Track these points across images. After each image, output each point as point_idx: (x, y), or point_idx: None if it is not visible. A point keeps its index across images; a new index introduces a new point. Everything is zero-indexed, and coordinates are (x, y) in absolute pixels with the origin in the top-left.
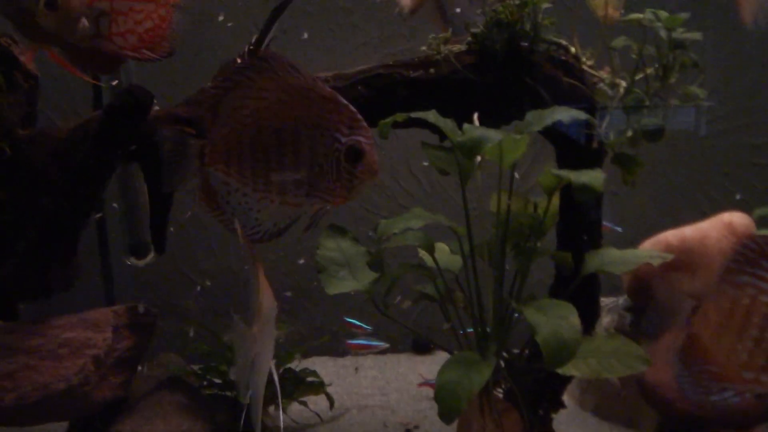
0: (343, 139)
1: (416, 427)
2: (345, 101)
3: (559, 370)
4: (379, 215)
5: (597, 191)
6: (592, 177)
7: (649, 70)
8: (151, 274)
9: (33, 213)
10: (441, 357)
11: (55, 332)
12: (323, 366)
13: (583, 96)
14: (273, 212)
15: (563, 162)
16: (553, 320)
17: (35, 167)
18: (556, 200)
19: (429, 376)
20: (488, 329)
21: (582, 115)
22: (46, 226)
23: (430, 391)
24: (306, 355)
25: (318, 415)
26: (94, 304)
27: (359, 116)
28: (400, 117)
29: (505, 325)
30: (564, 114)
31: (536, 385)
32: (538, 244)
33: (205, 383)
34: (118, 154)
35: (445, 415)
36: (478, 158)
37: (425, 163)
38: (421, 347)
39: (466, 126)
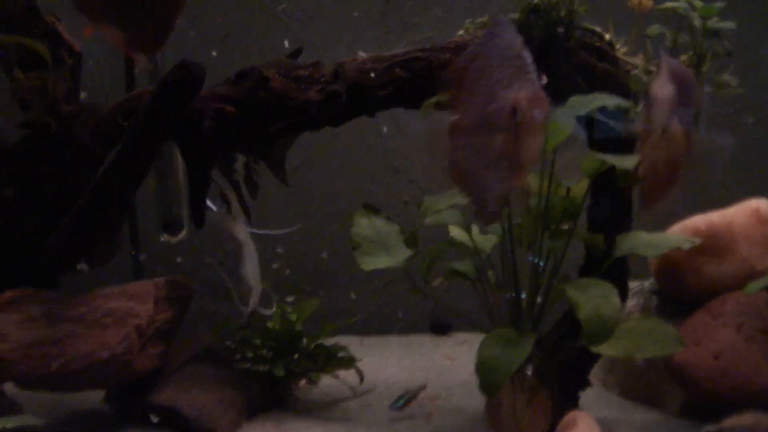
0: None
1: (437, 397)
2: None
3: (594, 350)
4: (401, 199)
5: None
6: (635, 163)
7: (683, 58)
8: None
9: (77, 187)
10: (460, 338)
11: (99, 302)
12: (348, 344)
13: (617, 82)
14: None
15: (595, 147)
16: (594, 299)
17: (79, 143)
18: (584, 183)
19: (453, 356)
20: (523, 308)
21: (624, 103)
22: (91, 201)
23: (457, 369)
24: (333, 333)
25: (351, 388)
26: (120, 280)
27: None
28: (443, 97)
29: (540, 304)
30: (607, 100)
31: (565, 363)
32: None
33: (238, 357)
34: (169, 129)
35: (486, 389)
36: None
37: None
38: (439, 329)
39: None
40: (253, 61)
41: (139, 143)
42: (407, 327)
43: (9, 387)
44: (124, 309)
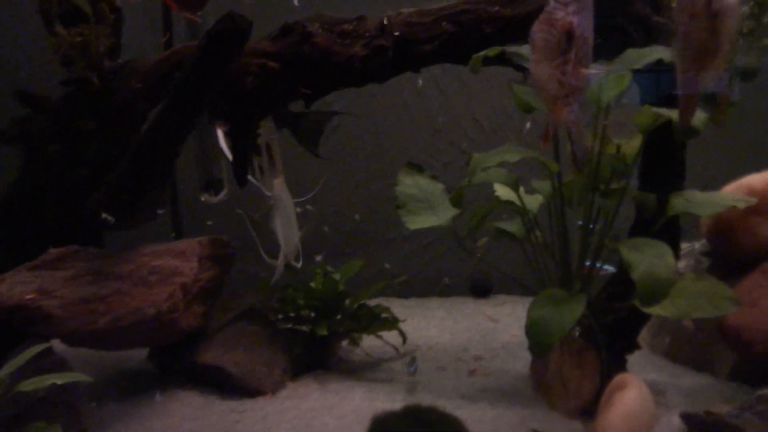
0: None
1: (481, 358)
2: None
3: (647, 310)
4: (441, 161)
5: (699, 132)
6: (696, 117)
7: (744, 9)
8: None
9: (121, 144)
10: (501, 300)
11: (145, 259)
12: (390, 306)
13: (672, 35)
14: None
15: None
16: (649, 258)
17: (122, 98)
18: (635, 141)
19: (496, 317)
20: (573, 268)
21: None
22: (136, 157)
23: (500, 331)
24: (374, 294)
25: (395, 348)
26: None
27: None
28: (492, 52)
29: (590, 264)
30: (665, 53)
31: (614, 325)
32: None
33: (280, 317)
34: (214, 83)
35: (536, 350)
36: None
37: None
38: (480, 291)
39: None
40: (296, 16)
41: (185, 98)
42: (448, 289)
43: (56, 344)
44: (169, 267)
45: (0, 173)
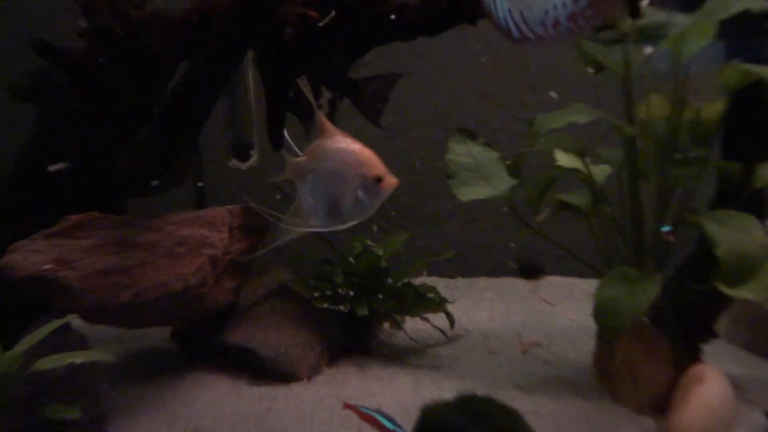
0: None
1: (538, 345)
2: None
3: (731, 292)
4: (491, 127)
5: None
6: None
7: None
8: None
9: (148, 101)
10: (553, 282)
11: (171, 228)
12: (435, 286)
13: None
14: None
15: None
16: (735, 233)
17: (149, 52)
18: (718, 104)
19: (550, 299)
20: (646, 245)
21: None
22: (165, 117)
23: (558, 315)
24: (418, 272)
25: (443, 332)
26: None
27: None
28: None
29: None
30: (752, 3)
31: (689, 309)
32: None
33: (316, 295)
34: (250, 36)
35: (606, 335)
36: (648, 50)
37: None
38: (530, 271)
39: (645, 8)
40: None
41: (218, 53)
42: (497, 268)
43: (74, 320)
44: (197, 237)
45: (12, 132)
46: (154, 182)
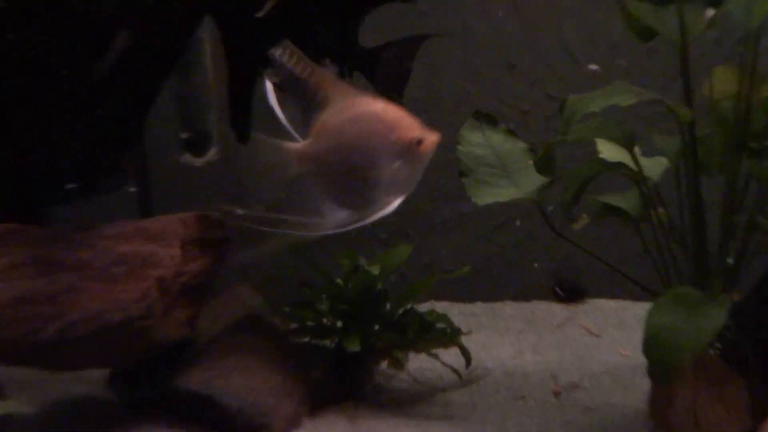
0: None
1: (577, 387)
2: None
3: None
4: (519, 108)
5: None
6: None
7: None
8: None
9: (77, 81)
10: (600, 306)
11: (108, 244)
12: (448, 312)
13: None
14: None
15: None
16: None
17: (78, 17)
18: None
19: (597, 330)
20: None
21: None
22: (98, 102)
23: (605, 349)
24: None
25: (456, 372)
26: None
27: None
28: None
29: (736, 253)
30: None
31: None
32: None
33: (294, 327)
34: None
35: (658, 373)
36: (710, 12)
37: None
38: (568, 293)
39: None
40: None
41: (166, 19)
42: (527, 289)
43: None
44: (141, 254)
45: None
46: (84, 185)
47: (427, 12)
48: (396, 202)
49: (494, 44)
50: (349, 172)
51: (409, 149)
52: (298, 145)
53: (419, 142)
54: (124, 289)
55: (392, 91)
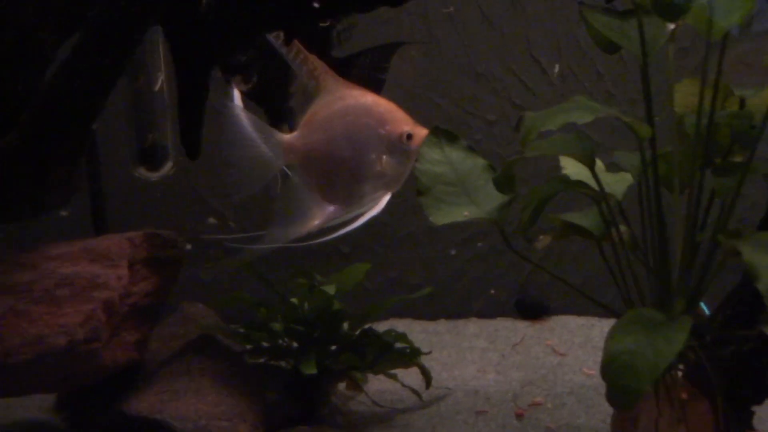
0: None
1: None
2: None
3: None
4: (484, 118)
5: None
6: None
7: None
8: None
9: (18, 94)
10: (565, 323)
11: (52, 265)
12: (406, 331)
13: None
14: None
15: None
16: None
17: (19, 25)
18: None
19: (562, 349)
20: (674, 279)
21: None
22: (40, 114)
23: (569, 368)
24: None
25: (416, 393)
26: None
27: None
28: None
29: (698, 272)
30: None
31: (735, 361)
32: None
33: (249, 348)
34: (154, 8)
35: (619, 399)
36: (671, 26)
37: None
38: (530, 310)
39: None
40: None
41: (111, 30)
42: (492, 306)
43: None
44: (86, 275)
45: None
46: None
47: (392, 20)
48: (384, 199)
49: (460, 53)
50: (337, 165)
51: (399, 143)
52: (287, 135)
53: (409, 136)
54: (69, 311)
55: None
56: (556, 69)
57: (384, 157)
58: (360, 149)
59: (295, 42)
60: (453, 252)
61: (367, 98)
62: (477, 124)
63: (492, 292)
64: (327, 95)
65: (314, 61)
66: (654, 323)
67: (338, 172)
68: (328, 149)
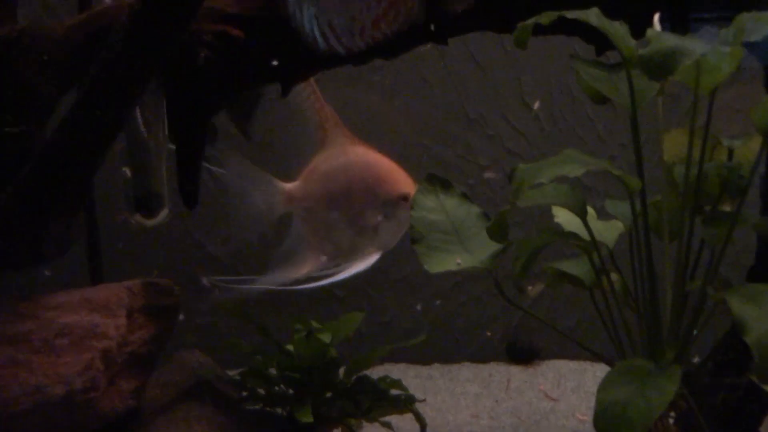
0: None
1: None
2: None
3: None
4: (477, 164)
5: None
6: None
7: None
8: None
9: (20, 146)
10: (557, 367)
11: (51, 315)
12: (400, 377)
13: None
14: None
15: None
16: None
17: (20, 80)
18: (754, 145)
19: (555, 394)
20: (664, 327)
21: None
22: (41, 167)
23: (562, 413)
24: (380, 361)
25: None
26: (69, 282)
27: None
28: (546, 18)
29: (688, 321)
30: None
31: (725, 408)
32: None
33: (245, 394)
34: (157, 62)
35: None
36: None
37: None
38: (522, 354)
39: (651, 33)
40: None
41: (113, 83)
42: (485, 351)
43: None
44: (85, 325)
45: None
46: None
47: (383, 66)
48: (374, 257)
49: (453, 98)
50: (334, 219)
51: (395, 205)
52: (288, 184)
53: (405, 198)
54: (67, 361)
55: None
56: (536, 105)
57: (379, 216)
58: (357, 207)
59: (314, 88)
60: (447, 295)
61: (369, 156)
62: (470, 169)
63: (488, 334)
64: (332, 148)
65: (327, 111)
66: (645, 373)
67: (334, 226)
68: (326, 203)
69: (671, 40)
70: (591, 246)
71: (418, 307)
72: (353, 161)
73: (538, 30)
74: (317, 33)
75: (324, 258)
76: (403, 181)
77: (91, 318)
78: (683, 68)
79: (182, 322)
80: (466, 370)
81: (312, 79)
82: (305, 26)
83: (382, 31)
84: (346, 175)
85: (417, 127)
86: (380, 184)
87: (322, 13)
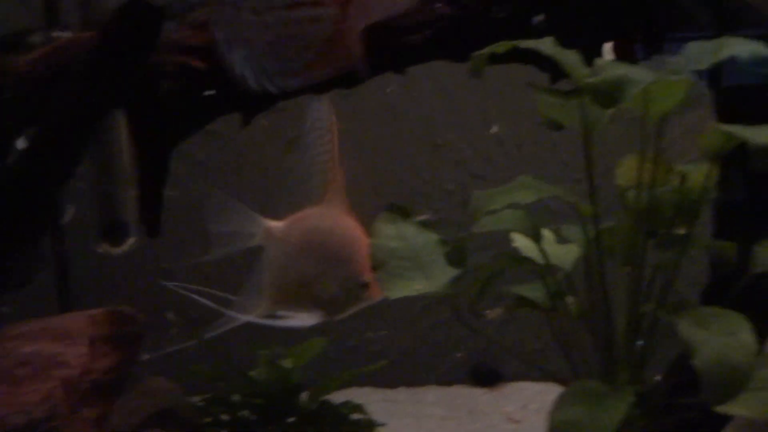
0: None
1: None
2: None
3: (719, 409)
4: (443, 189)
5: None
6: None
7: None
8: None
9: None
10: (521, 389)
11: (10, 345)
12: (366, 400)
13: (756, 19)
14: None
15: (726, 115)
16: (718, 337)
17: None
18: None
19: (518, 417)
20: (618, 350)
21: (765, 50)
22: (1, 201)
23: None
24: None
25: None
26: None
27: None
28: (501, 47)
29: (642, 343)
30: (742, 48)
31: (681, 428)
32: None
33: (209, 421)
34: (120, 94)
35: None
36: None
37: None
38: (484, 377)
39: (600, 62)
40: None
41: (74, 116)
42: (450, 373)
43: None
44: (46, 354)
45: None
46: None
47: (351, 94)
48: (314, 320)
49: (419, 124)
50: (298, 271)
51: (355, 288)
52: (270, 222)
53: (365, 286)
54: (27, 391)
55: None
56: (493, 129)
57: (337, 290)
58: (321, 274)
59: (334, 144)
60: (414, 319)
61: (354, 233)
62: (436, 194)
63: (458, 355)
64: (325, 209)
65: (337, 174)
66: (597, 394)
67: (296, 277)
68: (298, 253)
69: (620, 69)
70: (545, 269)
71: (385, 332)
72: (337, 230)
73: (494, 59)
74: (248, 74)
75: (265, 304)
76: (369, 270)
77: (52, 347)
78: (633, 96)
79: (147, 349)
80: (431, 394)
81: (335, 135)
82: (236, 67)
83: (315, 75)
84: (326, 240)
85: (382, 153)
86: (350, 263)
87: (255, 56)
